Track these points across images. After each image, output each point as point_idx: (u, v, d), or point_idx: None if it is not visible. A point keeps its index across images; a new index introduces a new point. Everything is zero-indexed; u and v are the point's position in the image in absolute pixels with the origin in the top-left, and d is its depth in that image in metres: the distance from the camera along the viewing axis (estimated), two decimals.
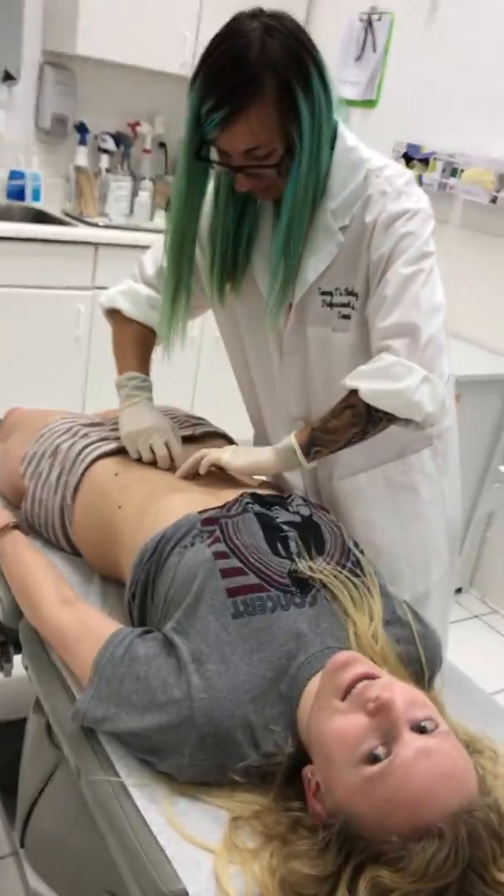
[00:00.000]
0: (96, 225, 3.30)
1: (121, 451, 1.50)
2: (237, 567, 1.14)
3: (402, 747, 0.88)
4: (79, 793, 1.10)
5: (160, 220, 3.54)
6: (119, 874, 0.99)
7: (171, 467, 1.47)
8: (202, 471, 1.42)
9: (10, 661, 1.58)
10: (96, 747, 1.08)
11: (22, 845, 1.60)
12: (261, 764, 1.02)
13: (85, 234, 3.17)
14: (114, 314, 1.61)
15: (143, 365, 1.58)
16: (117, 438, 1.51)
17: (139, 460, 1.49)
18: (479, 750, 1.07)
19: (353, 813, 0.90)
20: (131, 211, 3.53)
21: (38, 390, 3.16)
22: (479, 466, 2.93)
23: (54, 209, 3.44)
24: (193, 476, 1.43)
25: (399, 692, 0.93)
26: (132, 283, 1.61)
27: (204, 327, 3.15)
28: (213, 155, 1.29)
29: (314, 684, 1.04)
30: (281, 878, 0.91)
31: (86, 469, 1.46)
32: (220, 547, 1.16)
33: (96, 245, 3.15)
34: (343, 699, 0.95)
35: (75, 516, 1.45)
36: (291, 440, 1.40)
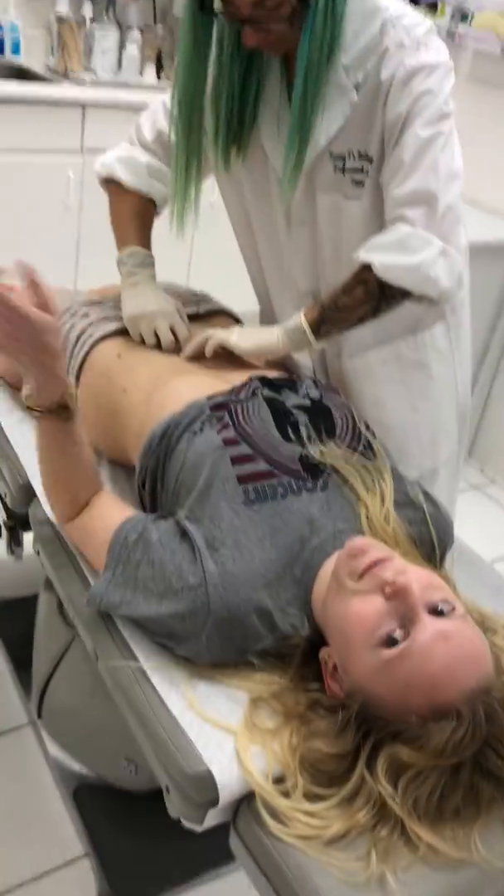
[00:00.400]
0: (83, 82, 3.10)
1: (123, 332, 1.44)
2: (247, 454, 1.12)
3: (420, 631, 0.90)
4: (93, 668, 1.12)
5: (150, 75, 3.32)
6: (136, 743, 1.02)
7: (177, 349, 1.42)
8: (208, 353, 1.37)
9: (20, 544, 1.58)
10: (113, 631, 1.09)
11: (39, 716, 1.66)
12: (278, 646, 1.04)
13: (71, 93, 2.97)
14: (110, 184, 1.52)
15: (145, 239, 1.50)
16: (119, 318, 1.45)
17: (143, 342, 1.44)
18: (493, 629, 1.09)
19: (372, 693, 0.92)
20: (119, 66, 3.31)
21: (27, 262, 3.06)
22: (482, 338, 2.88)
23: (37, 65, 3.23)
24: (199, 357, 1.39)
25: (414, 575, 0.94)
26: (130, 149, 1.51)
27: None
28: (218, 5, 1.17)
29: (328, 567, 1.04)
30: (301, 755, 0.93)
31: (88, 351, 1.41)
32: (230, 433, 1.14)
33: (84, 105, 2.97)
34: (359, 580, 0.96)
35: (79, 400, 1.41)
36: (300, 319, 1.35)
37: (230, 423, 1.15)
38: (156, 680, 1.02)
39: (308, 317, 1.34)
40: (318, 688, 1.01)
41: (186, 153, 1.34)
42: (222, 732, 0.97)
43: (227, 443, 1.12)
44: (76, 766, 1.60)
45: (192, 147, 1.34)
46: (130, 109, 3.01)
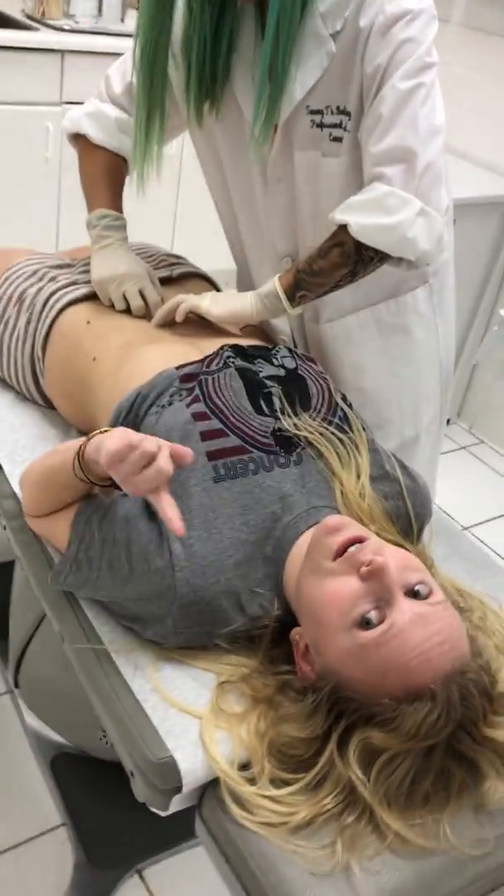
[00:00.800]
0: (61, 29, 2.98)
1: (92, 297, 1.39)
2: (217, 429, 1.07)
3: (397, 613, 0.88)
4: None
5: (132, 22, 3.20)
6: None
7: (148, 315, 1.37)
8: (179, 318, 1.32)
9: None
10: (78, 612, 1.06)
11: (16, 685, 1.64)
12: (247, 627, 1.01)
13: (48, 39, 2.87)
14: (79, 140, 1.45)
15: (116, 200, 1.43)
16: (88, 282, 1.40)
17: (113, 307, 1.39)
18: (469, 608, 1.07)
19: (345, 675, 0.89)
20: (99, 11, 3.19)
21: (6, 219, 2.98)
22: (473, 295, 2.83)
23: (13, 10, 3.10)
24: (171, 324, 1.34)
25: (391, 555, 0.92)
26: (98, 104, 1.44)
27: (184, 145, 2.94)
28: None
29: (301, 545, 1.01)
30: (269, 740, 0.91)
31: (56, 317, 1.36)
32: (200, 407, 1.09)
33: (62, 52, 2.86)
34: (334, 560, 0.93)
35: (47, 368, 1.37)
36: (275, 284, 1.29)
37: (200, 397, 1.11)
38: (120, 663, 0.99)
39: (283, 282, 1.29)
40: (288, 670, 0.99)
41: (148, 106, 1.27)
42: (188, 717, 0.94)
43: (197, 417, 1.08)
44: (54, 736, 1.59)
45: (154, 100, 1.26)
46: (110, 56, 2.92)
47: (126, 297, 1.36)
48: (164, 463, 0.90)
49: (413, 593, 0.90)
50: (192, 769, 0.90)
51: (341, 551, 0.93)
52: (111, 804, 1.54)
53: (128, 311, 1.37)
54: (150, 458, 0.89)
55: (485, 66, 2.77)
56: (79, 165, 1.46)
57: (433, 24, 1.20)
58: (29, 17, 3.07)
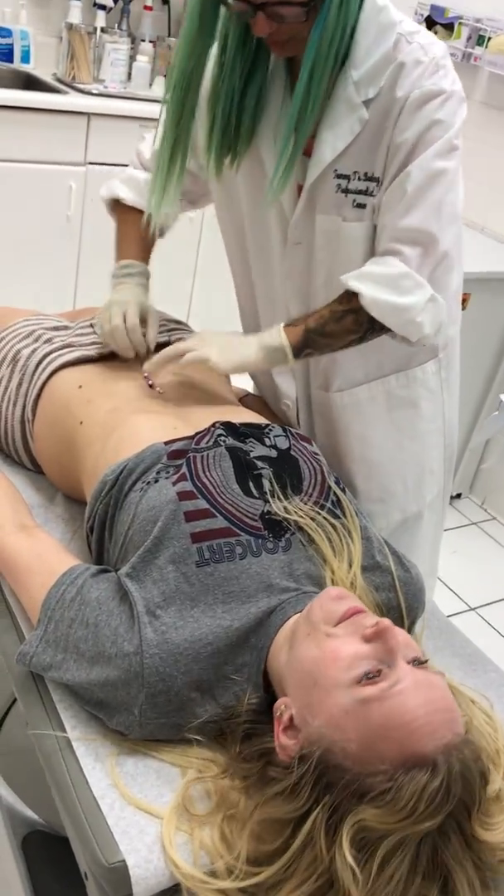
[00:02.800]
0: (90, 93, 3.04)
1: (87, 361, 1.36)
2: (204, 509, 1.03)
3: (402, 672, 0.84)
4: None
5: (160, 88, 3.26)
6: None
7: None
8: (183, 362, 1.27)
9: None
10: (44, 694, 1.01)
11: None
12: (218, 719, 0.95)
13: (76, 102, 2.92)
14: (116, 206, 1.47)
15: (143, 253, 1.45)
16: (84, 345, 1.38)
17: (110, 356, 1.36)
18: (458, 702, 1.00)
19: (337, 740, 0.82)
20: (129, 77, 3.25)
21: (27, 274, 3.00)
22: (488, 366, 2.79)
23: (45, 73, 3.17)
24: (164, 395, 1.30)
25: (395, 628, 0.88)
26: (131, 170, 1.47)
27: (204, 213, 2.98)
28: None
29: (288, 628, 0.96)
30: (248, 831, 0.84)
31: (47, 379, 1.33)
32: (186, 486, 1.05)
33: (89, 115, 2.91)
34: (335, 626, 0.90)
35: (36, 431, 1.33)
36: (282, 339, 1.27)
37: (187, 475, 1.06)
38: (80, 752, 0.93)
39: (291, 337, 1.27)
40: (263, 759, 0.92)
41: (173, 142, 1.25)
42: (146, 816, 0.88)
43: (183, 496, 1.03)
44: (27, 812, 1.53)
45: (181, 136, 1.25)
46: (135, 120, 2.98)
47: (125, 317, 1.34)
48: None
49: (415, 662, 0.86)
50: (143, 876, 0.83)
51: (345, 618, 0.90)
52: (79, 888, 1.47)
53: (115, 357, 1.36)
54: None
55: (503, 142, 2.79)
56: (115, 231, 1.48)
57: (463, 108, 1.20)
58: (60, 80, 3.14)
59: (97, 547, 1.13)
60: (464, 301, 2.61)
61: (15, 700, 1.48)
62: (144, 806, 0.89)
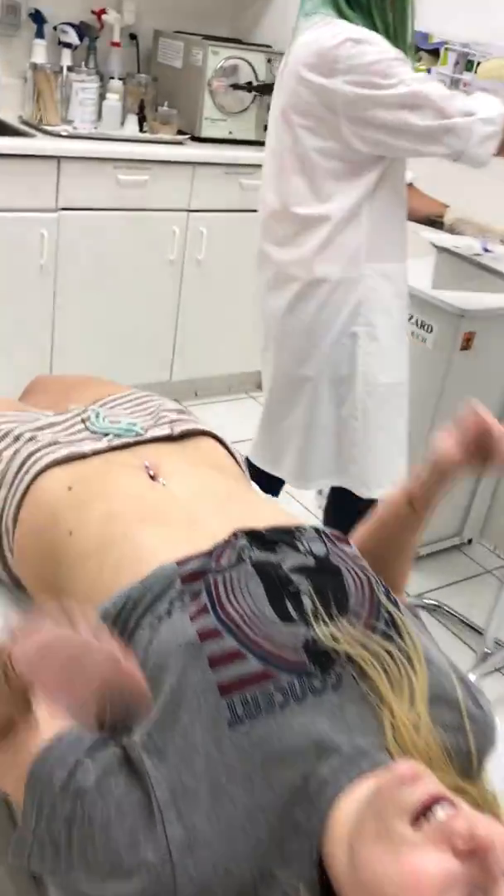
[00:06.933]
0: (58, 135, 2.88)
1: (77, 458, 1.17)
2: (232, 650, 0.83)
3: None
4: None
5: (132, 126, 3.10)
6: None
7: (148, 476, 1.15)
8: None
9: None
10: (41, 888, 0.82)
11: None
12: None
13: (45, 146, 2.76)
14: None
15: None
16: (73, 442, 1.19)
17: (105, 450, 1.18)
18: None
19: None
20: (99, 117, 3.09)
21: (0, 328, 2.83)
22: (497, 403, 2.64)
23: (10, 116, 3.01)
24: (168, 488, 1.11)
25: (496, 832, 0.67)
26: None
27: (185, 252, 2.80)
28: None
29: (348, 808, 0.76)
30: None
31: (32, 481, 1.14)
32: (209, 621, 0.86)
33: (59, 159, 2.75)
34: (412, 824, 0.68)
35: (17, 542, 1.14)
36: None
37: (208, 606, 0.87)
38: None
39: None
40: None
41: None
42: None
43: (204, 636, 0.84)
44: None
45: None
46: (109, 162, 2.81)
47: None
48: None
49: None
50: None
51: (423, 812, 0.69)
52: None
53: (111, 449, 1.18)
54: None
55: (498, 177, 2.65)
56: None
57: None
58: (26, 123, 2.97)
59: None
60: (467, 339, 2.47)
61: None
62: None
